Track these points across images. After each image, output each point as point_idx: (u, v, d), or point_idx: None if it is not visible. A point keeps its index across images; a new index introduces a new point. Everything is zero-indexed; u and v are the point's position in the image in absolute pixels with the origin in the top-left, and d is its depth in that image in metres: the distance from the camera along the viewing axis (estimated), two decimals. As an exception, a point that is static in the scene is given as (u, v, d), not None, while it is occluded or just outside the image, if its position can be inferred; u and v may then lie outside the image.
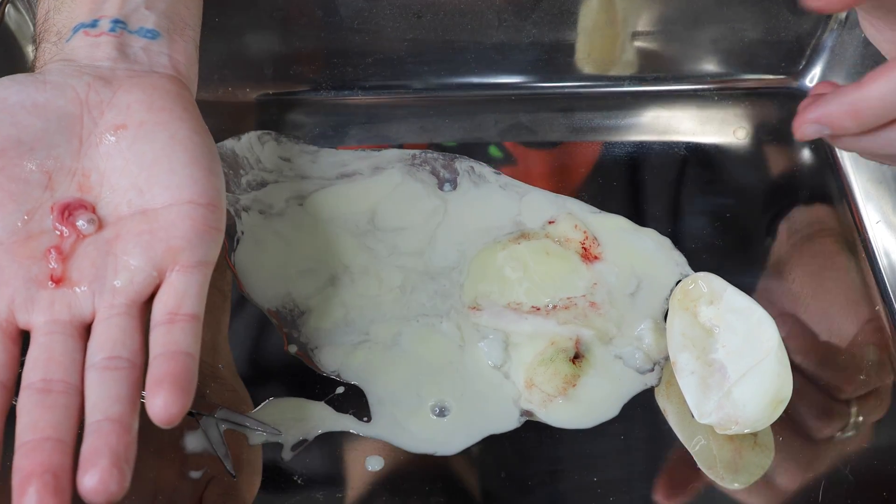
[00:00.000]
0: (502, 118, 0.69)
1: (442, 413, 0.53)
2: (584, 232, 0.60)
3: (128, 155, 0.45)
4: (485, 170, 0.64)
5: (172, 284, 0.43)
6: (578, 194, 0.63)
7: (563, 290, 0.58)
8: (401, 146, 0.66)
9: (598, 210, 0.62)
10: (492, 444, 0.52)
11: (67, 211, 0.43)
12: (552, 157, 0.66)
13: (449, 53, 0.68)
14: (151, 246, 0.43)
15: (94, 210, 0.44)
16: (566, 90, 0.70)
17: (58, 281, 0.42)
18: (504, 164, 0.65)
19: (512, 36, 0.67)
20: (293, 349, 0.55)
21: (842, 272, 0.60)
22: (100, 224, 0.44)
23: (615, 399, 0.54)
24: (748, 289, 0.54)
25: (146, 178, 0.44)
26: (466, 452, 0.52)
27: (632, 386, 0.54)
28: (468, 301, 0.57)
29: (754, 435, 0.52)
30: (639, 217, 0.62)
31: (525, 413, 0.53)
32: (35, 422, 0.38)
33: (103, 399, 0.39)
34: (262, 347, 0.56)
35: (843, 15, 0.66)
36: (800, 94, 0.69)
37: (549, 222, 0.61)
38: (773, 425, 0.52)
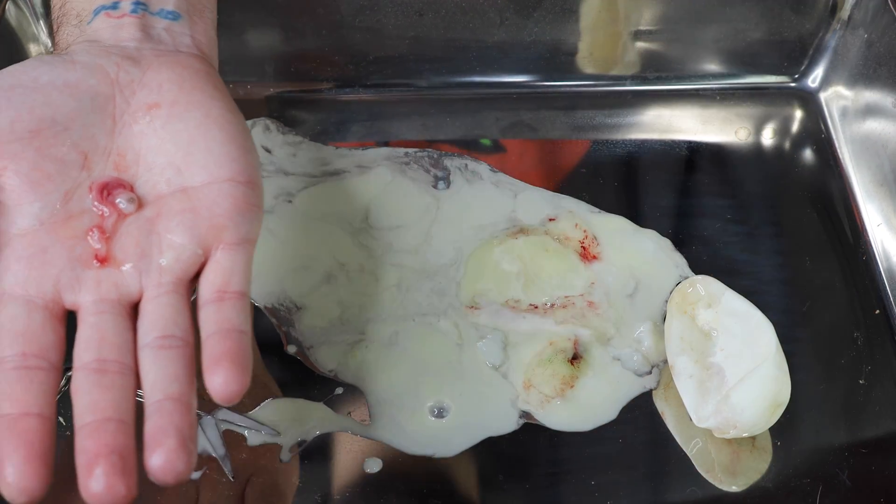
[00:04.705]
0: (504, 116, 0.68)
1: (440, 414, 0.53)
2: (585, 231, 0.60)
3: (162, 134, 0.45)
4: (480, 167, 0.64)
5: (219, 262, 0.43)
6: (578, 193, 0.63)
7: (561, 289, 0.58)
8: (400, 143, 0.66)
9: (598, 210, 0.62)
10: (490, 446, 0.52)
11: (106, 190, 0.43)
12: (543, 148, 0.66)
13: (451, 52, 0.68)
14: (195, 224, 0.43)
15: (132, 189, 0.44)
16: (568, 89, 0.70)
17: (103, 260, 0.42)
18: (494, 151, 0.65)
19: (514, 34, 0.67)
20: (292, 349, 0.55)
21: (841, 275, 0.60)
22: (139, 203, 0.44)
23: (613, 402, 0.54)
24: (747, 291, 0.54)
25: (183, 157, 0.44)
26: (464, 454, 0.52)
27: (630, 388, 0.54)
28: (466, 300, 0.57)
29: (752, 438, 0.52)
30: (639, 217, 0.62)
31: (523, 415, 0.53)
32: (94, 402, 0.38)
33: (161, 378, 0.39)
34: (260, 348, 0.56)
35: (846, 15, 0.66)
36: (802, 95, 0.69)
37: (550, 220, 0.61)
38: (772, 429, 0.52)
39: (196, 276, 0.43)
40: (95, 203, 0.43)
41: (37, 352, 0.40)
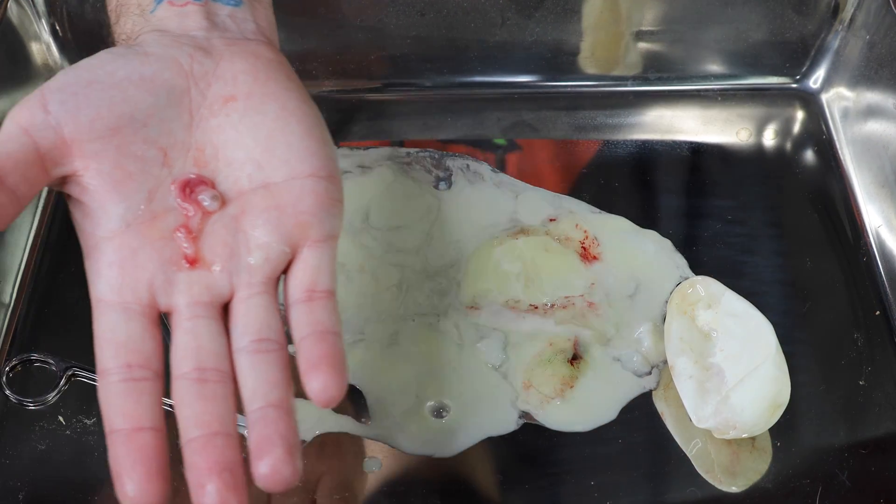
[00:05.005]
0: (505, 116, 0.68)
1: (440, 414, 0.53)
2: (585, 231, 0.60)
3: (240, 127, 0.44)
4: (482, 167, 0.64)
5: (306, 261, 0.42)
6: (580, 194, 0.63)
7: (562, 289, 0.58)
8: (402, 143, 0.66)
9: (599, 210, 0.62)
10: (489, 446, 0.52)
11: (189, 188, 0.42)
12: (557, 148, 0.67)
13: (452, 51, 0.68)
14: (281, 222, 0.42)
15: (213, 186, 0.43)
16: (569, 89, 0.70)
17: (192, 262, 0.41)
18: (508, 150, 0.66)
19: (515, 34, 0.67)
20: (292, 349, 0.55)
21: (842, 276, 0.60)
22: (222, 200, 0.43)
23: (613, 402, 0.54)
24: (747, 292, 0.54)
25: (263, 152, 0.43)
26: (464, 454, 0.52)
27: (630, 389, 0.54)
28: (466, 301, 0.57)
29: (752, 439, 0.52)
30: (640, 218, 0.62)
31: (523, 415, 0.53)
32: (199, 415, 0.38)
33: (261, 384, 0.39)
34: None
35: (848, 17, 0.66)
36: (804, 96, 0.69)
37: (551, 220, 0.61)
38: (771, 430, 0.52)
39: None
40: (179, 201, 0.42)
41: (141, 362, 0.39)
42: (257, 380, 0.39)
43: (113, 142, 0.41)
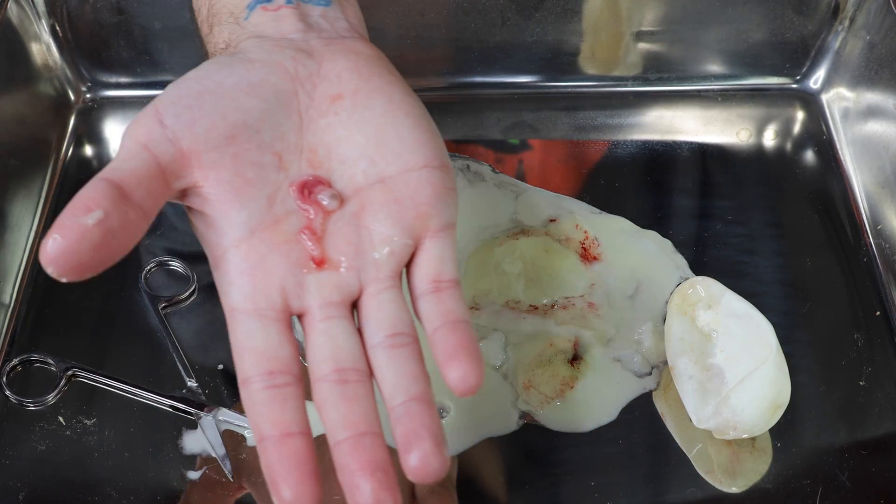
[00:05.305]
0: (505, 116, 0.68)
1: (440, 414, 0.53)
2: (585, 232, 0.60)
3: (349, 125, 0.44)
4: (482, 167, 0.64)
5: (429, 251, 0.43)
6: (580, 194, 0.63)
7: (562, 290, 0.58)
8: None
9: (599, 210, 0.62)
10: (489, 446, 0.52)
11: (307, 189, 0.42)
12: (557, 148, 0.67)
13: (452, 52, 0.68)
14: (402, 215, 0.42)
15: (330, 185, 0.43)
16: (570, 89, 0.70)
17: (320, 263, 0.41)
18: (508, 151, 0.66)
19: (516, 35, 0.67)
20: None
21: (842, 277, 0.60)
22: (341, 199, 0.43)
23: (613, 402, 0.54)
24: (748, 292, 0.54)
25: (374, 147, 0.44)
26: (464, 454, 0.52)
27: (630, 389, 0.54)
28: (466, 301, 0.57)
29: (752, 440, 0.52)
30: (640, 218, 0.62)
31: (523, 415, 0.53)
32: (344, 417, 0.39)
33: (401, 379, 0.40)
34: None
35: (848, 17, 0.66)
36: (804, 96, 0.69)
37: (551, 220, 0.61)
38: (771, 430, 0.52)
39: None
40: (299, 203, 0.42)
41: (282, 368, 0.39)
42: (397, 374, 0.40)
43: (229, 150, 0.41)
